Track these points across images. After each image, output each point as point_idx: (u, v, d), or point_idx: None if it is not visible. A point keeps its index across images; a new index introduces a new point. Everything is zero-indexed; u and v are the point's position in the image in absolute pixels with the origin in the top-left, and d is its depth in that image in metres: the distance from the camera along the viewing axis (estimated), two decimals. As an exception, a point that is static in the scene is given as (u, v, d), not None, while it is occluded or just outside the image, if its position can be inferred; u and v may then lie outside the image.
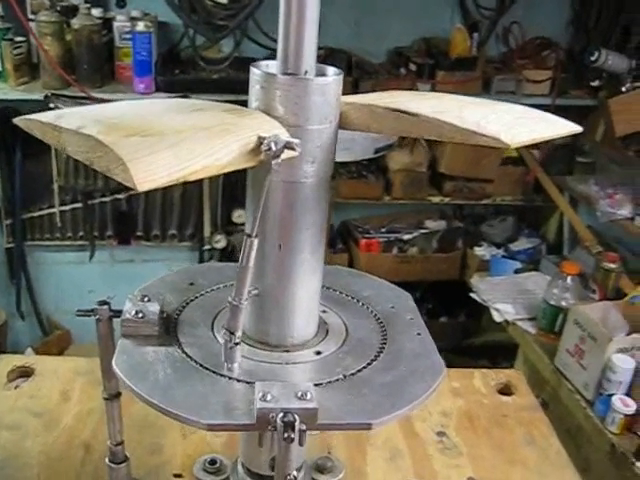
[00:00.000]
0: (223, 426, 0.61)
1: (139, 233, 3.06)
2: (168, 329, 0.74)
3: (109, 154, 0.50)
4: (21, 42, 2.67)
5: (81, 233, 3.04)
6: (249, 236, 0.62)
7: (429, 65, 2.99)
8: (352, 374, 0.70)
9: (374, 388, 0.67)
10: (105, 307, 0.76)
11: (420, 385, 0.68)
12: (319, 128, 0.64)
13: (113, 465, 0.85)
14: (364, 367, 0.71)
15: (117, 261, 3.21)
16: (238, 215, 3.00)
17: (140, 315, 0.72)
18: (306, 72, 0.63)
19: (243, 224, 0.78)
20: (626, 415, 1.82)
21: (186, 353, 0.70)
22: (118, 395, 0.82)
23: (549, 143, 3.18)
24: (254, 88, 0.64)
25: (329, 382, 0.68)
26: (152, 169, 0.49)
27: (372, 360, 0.72)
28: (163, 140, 0.52)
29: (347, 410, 0.64)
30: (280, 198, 0.66)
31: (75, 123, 0.54)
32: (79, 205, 2.96)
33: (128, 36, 2.69)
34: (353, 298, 0.85)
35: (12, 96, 2.65)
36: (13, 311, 3.14)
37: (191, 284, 0.85)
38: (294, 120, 0.62)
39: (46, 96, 2.62)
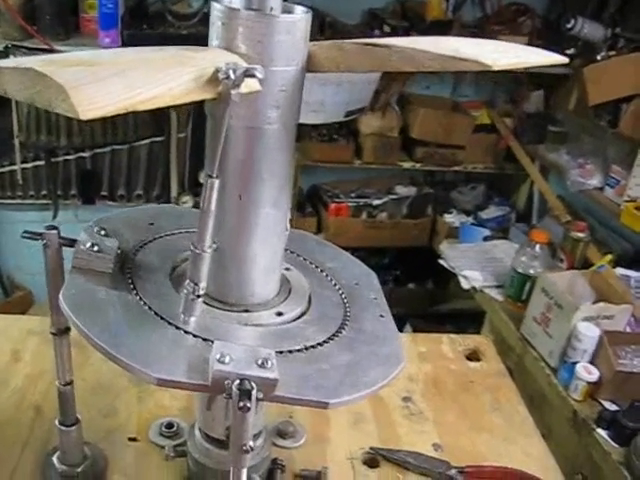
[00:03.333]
0: (174, 383, 0.57)
1: (104, 193, 2.99)
2: (123, 269, 0.70)
3: (49, 85, 0.45)
4: (-21, -11, 2.55)
5: (44, 192, 2.95)
6: (210, 176, 0.57)
7: (404, 27, 2.93)
8: (313, 346, 0.66)
9: (334, 365, 0.64)
10: (54, 232, 0.70)
11: (380, 370, 0.65)
12: (284, 70, 0.59)
13: (63, 427, 0.81)
14: (325, 341, 0.68)
15: (81, 221, 3.12)
16: (206, 176, 2.93)
17: (96, 248, 0.67)
18: (272, 9, 0.59)
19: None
20: (589, 383, 1.84)
21: (140, 297, 0.66)
22: (67, 330, 0.77)
23: (521, 111, 3.16)
24: (215, 25, 0.59)
25: (289, 351, 0.64)
26: (97, 96, 0.44)
27: (333, 335, 0.69)
28: (109, 69, 0.47)
29: (305, 385, 0.60)
30: (241, 144, 0.61)
31: (15, 62, 0.49)
32: (42, 162, 2.87)
33: (93, -13, 2.59)
34: (317, 267, 0.81)
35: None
36: (-27, 271, 3.06)
37: (151, 224, 0.80)
38: (257, 60, 0.57)
39: (6, 47, 2.51)
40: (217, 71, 0.51)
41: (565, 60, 0.60)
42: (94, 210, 3.06)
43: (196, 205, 2.98)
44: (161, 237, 0.78)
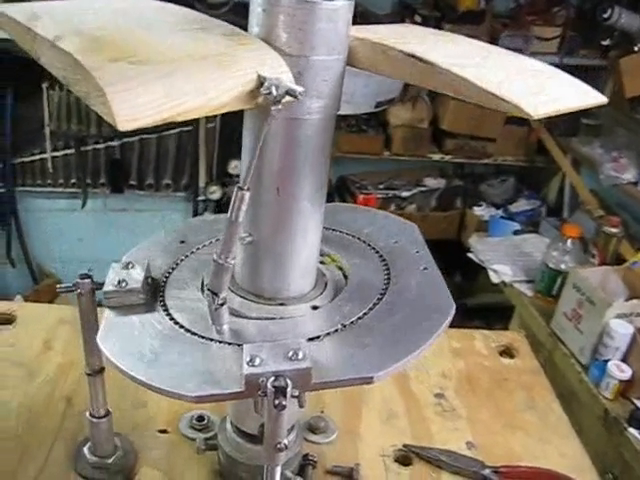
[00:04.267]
0: (212, 397, 0.56)
1: (132, 182, 3.00)
2: (155, 294, 0.69)
3: (89, 80, 0.43)
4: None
5: (73, 180, 2.97)
6: (240, 189, 0.56)
7: (435, 18, 2.90)
8: (352, 322, 0.65)
9: (375, 336, 0.62)
10: (87, 281, 0.71)
11: (425, 327, 0.63)
12: (325, 59, 0.57)
13: (94, 419, 0.80)
14: (365, 314, 0.66)
15: (110, 210, 3.15)
16: (234, 166, 2.93)
17: (123, 284, 0.67)
18: None
19: (239, 176, 0.72)
20: (621, 381, 1.80)
21: (174, 319, 0.65)
22: (101, 370, 0.77)
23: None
24: (255, 12, 0.57)
25: (327, 334, 0.63)
26: (137, 105, 0.42)
27: (374, 305, 0.67)
28: (153, 70, 0.45)
29: (346, 364, 0.59)
30: (280, 136, 0.60)
31: (52, 31, 0.47)
32: (71, 151, 2.89)
33: (124, -25, 2.59)
34: (354, 237, 0.79)
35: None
36: (3, 258, 3.09)
37: (182, 242, 0.79)
38: (298, 49, 0.56)
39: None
40: (260, 83, 0.50)
41: (605, 101, 0.57)
42: (122, 199, 3.08)
43: (224, 196, 2.98)
44: (192, 253, 0.77)
